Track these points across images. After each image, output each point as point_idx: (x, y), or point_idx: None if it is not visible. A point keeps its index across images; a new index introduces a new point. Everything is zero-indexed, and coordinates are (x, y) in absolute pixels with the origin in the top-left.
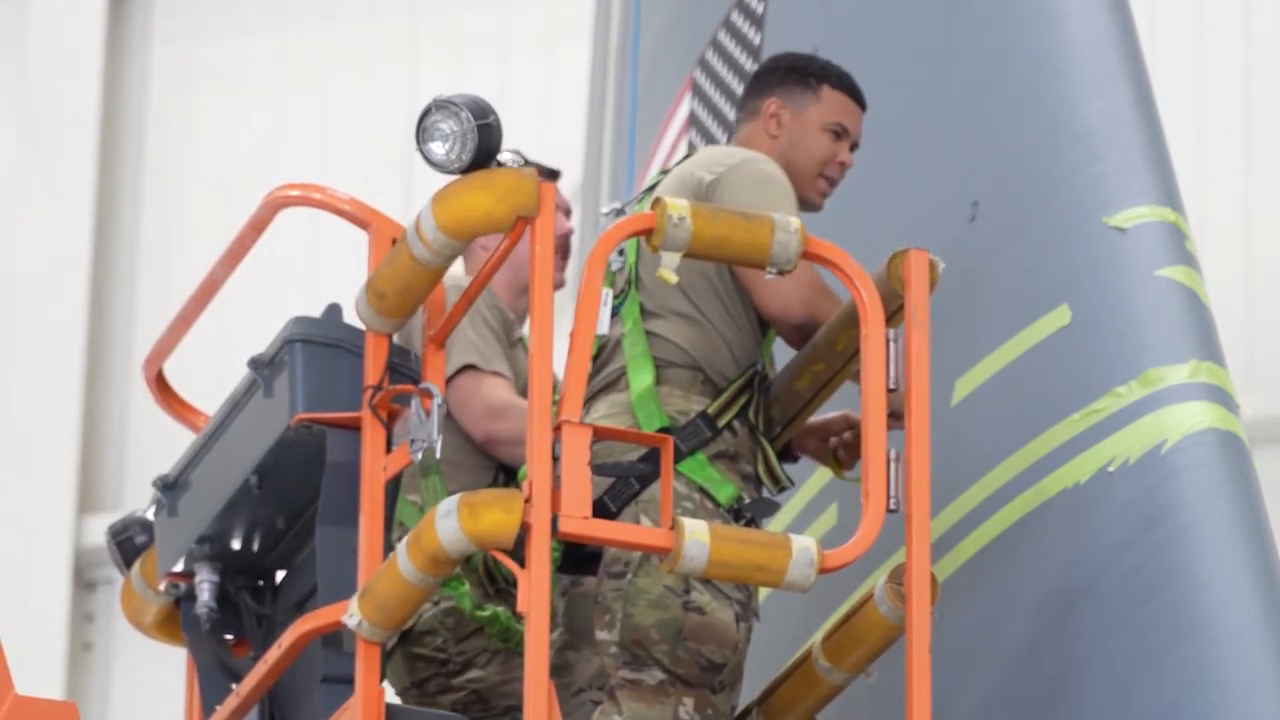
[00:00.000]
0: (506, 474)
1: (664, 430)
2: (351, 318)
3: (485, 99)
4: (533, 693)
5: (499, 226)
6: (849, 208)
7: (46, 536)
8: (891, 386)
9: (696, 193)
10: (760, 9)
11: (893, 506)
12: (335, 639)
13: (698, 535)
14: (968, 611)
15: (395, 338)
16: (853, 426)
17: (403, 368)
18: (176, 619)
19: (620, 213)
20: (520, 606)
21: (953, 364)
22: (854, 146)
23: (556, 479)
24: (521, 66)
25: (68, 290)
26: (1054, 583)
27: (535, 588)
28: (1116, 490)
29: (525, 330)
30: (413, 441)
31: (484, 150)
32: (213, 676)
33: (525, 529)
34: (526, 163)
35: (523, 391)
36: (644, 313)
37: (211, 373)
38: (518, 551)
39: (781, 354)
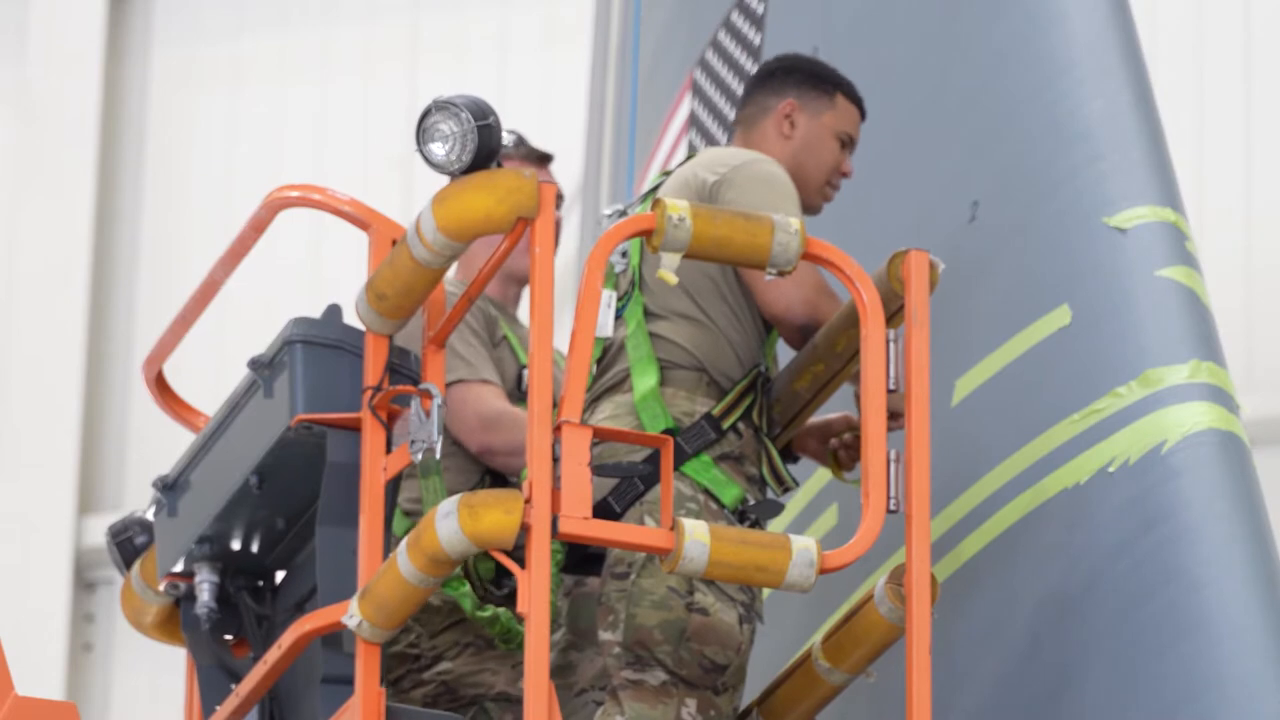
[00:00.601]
0: (492, 475)
1: (668, 432)
2: (351, 318)
3: (485, 100)
4: (533, 693)
5: (499, 228)
6: (849, 208)
7: (46, 537)
8: (892, 387)
9: (700, 194)
10: (760, 9)
11: (893, 507)
12: (335, 639)
13: (698, 536)
14: (968, 612)
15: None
16: (853, 427)
17: (403, 368)
18: (176, 619)
19: (622, 215)
20: (520, 607)
21: (953, 364)
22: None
23: (557, 480)
24: (521, 66)
25: (68, 290)
26: (1054, 583)
27: (535, 589)
28: (1117, 490)
29: (515, 319)
30: (413, 442)
31: (484, 151)
32: (212, 677)
33: (525, 530)
34: (522, 142)
35: (510, 391)
36: (648, 314)
37: (211, 373)
38: (518, 552)
39: (782, 353)
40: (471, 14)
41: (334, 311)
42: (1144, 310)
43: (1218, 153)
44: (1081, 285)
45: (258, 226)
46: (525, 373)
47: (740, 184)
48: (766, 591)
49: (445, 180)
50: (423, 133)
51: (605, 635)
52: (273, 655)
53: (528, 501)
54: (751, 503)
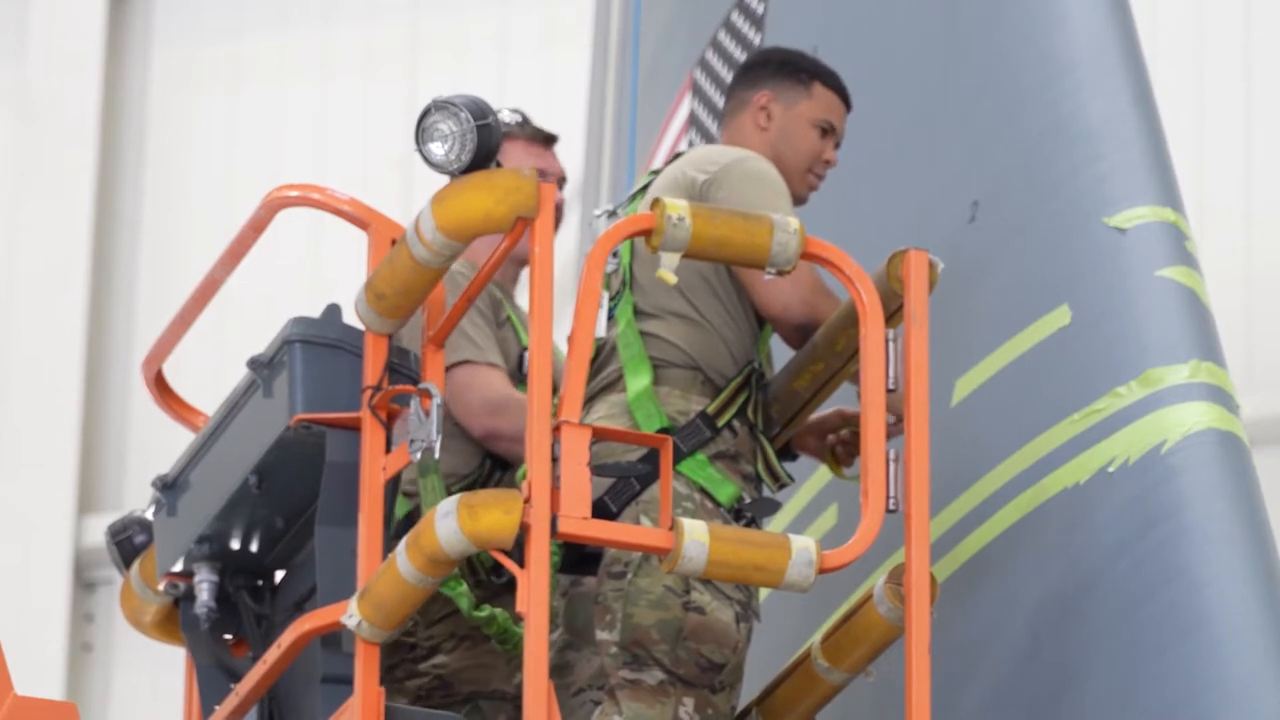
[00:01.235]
0: (492, 459)
1: (664, 430)
2: (351, 318)
3: (485, 99)
4: (532, 693)
5: (499, 227)
6: (848, 208)
7: (46, 536)
8: (891, 387)
9: (690, 192)
10: (760, 9)
11: (892, 507)
12: (334, 639)
13: (697, 535)
14: (967, 612)
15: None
16: (848, 422)
17: (402, 368)
18: (176, 619)
19: (613, 215)
20: (520, 607)
21: (952, 364)
22: (837, 145)
23: (556, 479)
24: (521, 67)
25: (68, 290)
26: (1054, 583)
27: (535, 588)
28: (1116, 490)
29: (517, 304)
30: (412, 442)
31: (483, 151)
32: (212, 677)
33: (524, 529)
34: (527, 122)
35: (512, 373)
36: (639, 313)
37: (211, 373)
38: (517, 552)
39: (779, 351)
40: (471, 14)
41: (333, 311)
42: (1144, 310)
43: (1218, 152)
44: (1081, 285)
45: (257, 226)
46: (527, 355)
47: (731, 182)
48: (765, 590)
49: (445, 180)
50: (422, 132)
51: (602, 635)
52: (272, 655)
53: (527, 501)
54: (748, 501)
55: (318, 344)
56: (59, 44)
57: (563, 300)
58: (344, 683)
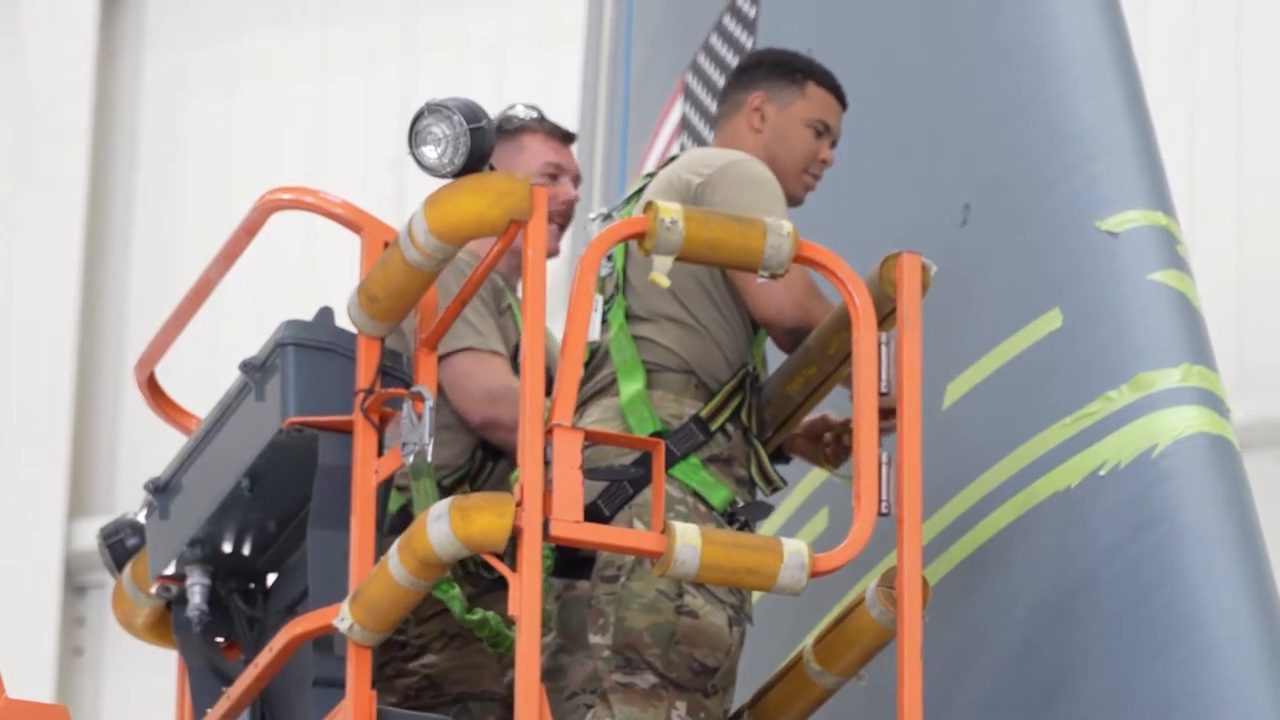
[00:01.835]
0: (485, 449)
1: (657, 434)
2: (344, 321)
3: (478, 103)
4: (524, 697)
5: (491, 230)
6: (841, 211)
7: (37, 540)
8: (883, 390)
9: (685, 195)
10: (752, 12)
11: (884, 510)
12: (326, 642)
13: (689, 539)
14: (959, 616)
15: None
16: (831, 428)
17: (394, 371)
18: (168, 622)
19: (607, 218)
20: (512, 610)
21: (944, 367)
22: (833, 144)
23: (548, 483)
24: (520, 67)
25: (60, 293)
26: (1045, 587)
27: (527, 592)
28: (1107, 494)
29: (517, 294)
30: (404, 445)
31: (476, 154)
32: (204, 680)
33: (517, 533)
34: (543, 119)
35: (513, 362)
36: (631, 317)
37: (203, 376)
38: (509, 555)
39: (773, 355)
40: (470, 14)
41: (326, 314)
42: (1135, 314)
43: (1209, 155)
44: (1073, 289)
45: (250, 229)
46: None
47: (725, 185)
48: (758, 594)
49: (440, 182)
50: (415, 135)
51: (595, 638)
52: (264, 658)
53: (519, 504)
54: (740, 504)
55: (310, 347)
56: (52, 45)
57: (557, 302)
58: (336, 686)
